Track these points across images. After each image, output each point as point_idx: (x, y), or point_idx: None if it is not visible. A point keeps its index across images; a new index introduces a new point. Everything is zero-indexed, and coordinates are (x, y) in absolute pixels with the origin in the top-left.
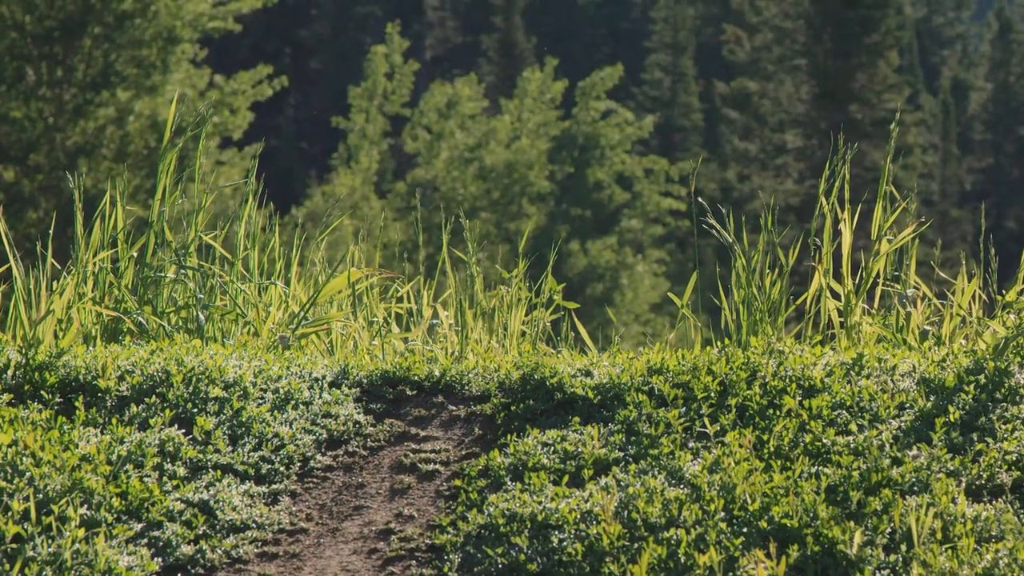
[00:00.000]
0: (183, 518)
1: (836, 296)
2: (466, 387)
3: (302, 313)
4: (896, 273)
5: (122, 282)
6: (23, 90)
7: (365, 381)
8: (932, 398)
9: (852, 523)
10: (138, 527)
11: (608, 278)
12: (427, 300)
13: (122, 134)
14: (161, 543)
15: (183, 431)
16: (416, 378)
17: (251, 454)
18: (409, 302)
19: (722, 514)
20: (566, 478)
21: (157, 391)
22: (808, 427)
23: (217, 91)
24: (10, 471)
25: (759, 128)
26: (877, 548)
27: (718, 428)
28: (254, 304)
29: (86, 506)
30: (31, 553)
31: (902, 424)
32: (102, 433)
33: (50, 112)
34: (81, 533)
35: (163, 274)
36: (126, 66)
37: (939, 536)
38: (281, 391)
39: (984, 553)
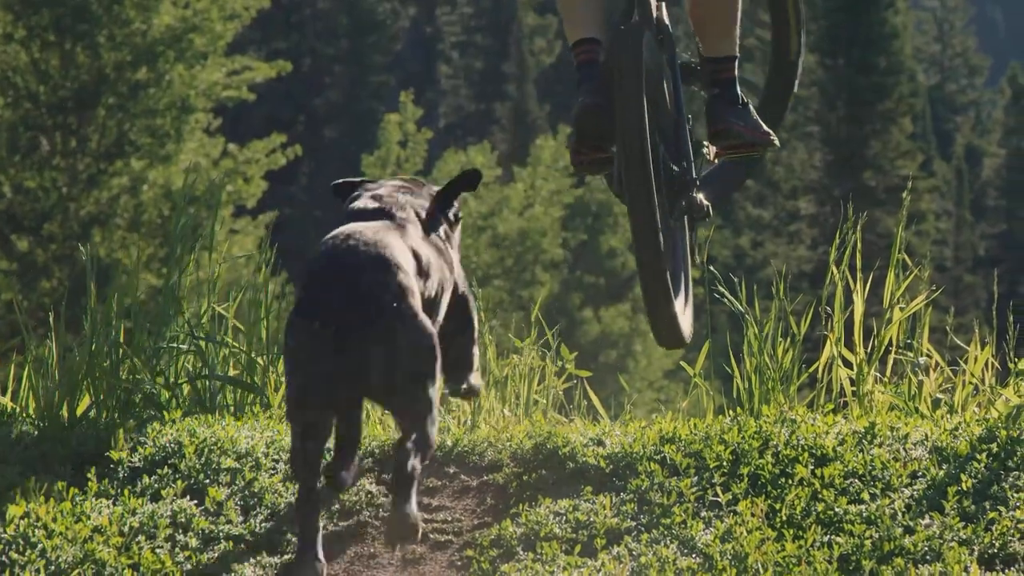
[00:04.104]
0: None
1: (848, 364)
2: (478, 456)
3: None
4: (909, 340)
5: (134, 353)
6: (37, 160)
7: (378, 451)
8: (944, 467)
9: None
10: None
11: (621, 345)
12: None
13: (136, 203)
14: None
15: (195, 502)
16: None
17: (263, 524)
18: None
19: None
20: (578, 547)
21: (169, 462)
22: (820, 496)
23: (231, 160)
24: (22, 543)
25: (772, 195)
26: None
27: (730, 497)
28: (266, 375)
29: None
30: None
31: (914, 493)
32: (114, 504)
33: (64, 182)
34: None
35: (176, 345)
36: (140, 135)
37: None
38: None
39: None
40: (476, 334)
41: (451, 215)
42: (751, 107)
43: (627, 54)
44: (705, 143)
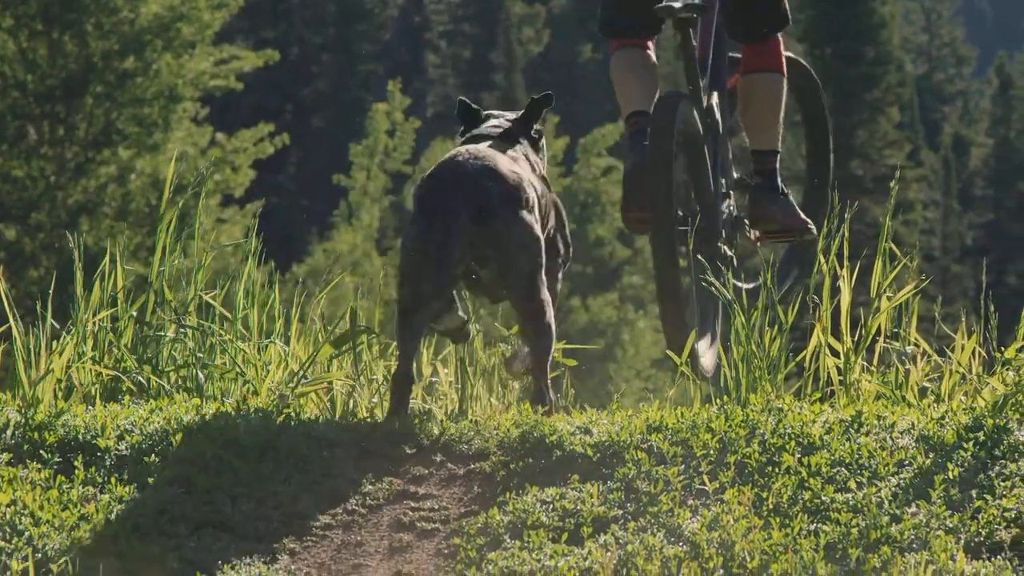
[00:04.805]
0: None
1: (835, 353)
2: (466, 445)
3: (301, 372)
4: (896, 330)
5: (122, 341)
6: (24, 149)
7: (364, 439)
8: (931, 455)
9: None
10: None
11: (609, 334)
12: (426, 358)
13: (123, 192)
14: None
15: (182, 490)
16: (415, 436)
17: (250, 512)
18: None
19: (721, 571)
20: (565, 536)
21: (156, 450)
22: (807, 484)
23: (218, 149)
24: (9, 531)
25: None
26: None
27: (717, 485)
28: (253, 363)
29: (85, 566)
30: None
31: (901, 481)
32: (101, 492)
33: (52, 171)
34: None
35: (162, 333)
36: (128, 125)
37: None
38: (280, 450)
39: None
40: (561, 265)
41: (533, 133)
42: (791, 197)
43: (662, 113)
44: (746, 224)
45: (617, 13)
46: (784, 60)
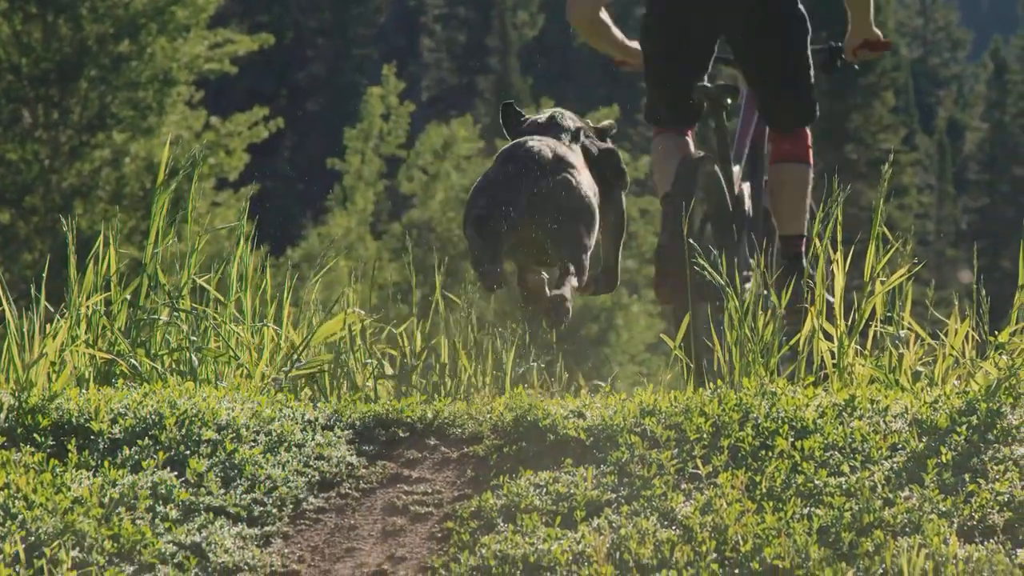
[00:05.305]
0: (175, 560)
1: (829, 337)
2: (459, 429)
3: (295, 355)
4: (889, 314)
5: (115, 325)
6: (19, 132)
7: (358, 423)
8: (924, 439)
9: (844, 564)
10: (130, 570)
11: (603, 318)
12: (419, 340)
13: (118, 176)
14: None
15: (176, 473)
16: (409, 420)
17: (243, 496)
18: (403, 343)
19: (714, 555)
20: (558, 519)
21: (150, 433)
22: (800, 468)
23: (213, 133)
24: (2, 514)
25: None
26: None
27: (710, 469)
28: (247, 346)
29: (78, 548)
30: None
31: (894, 465)
32: (95, 475)
33: (46, 154)
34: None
35: (156, 317)
36: (122, 108)
37: None
38: (274, 433)
39: None
40: (622, 237)
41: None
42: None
43: (688, 164)
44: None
45: (659, 104)
46: (811, 150)
